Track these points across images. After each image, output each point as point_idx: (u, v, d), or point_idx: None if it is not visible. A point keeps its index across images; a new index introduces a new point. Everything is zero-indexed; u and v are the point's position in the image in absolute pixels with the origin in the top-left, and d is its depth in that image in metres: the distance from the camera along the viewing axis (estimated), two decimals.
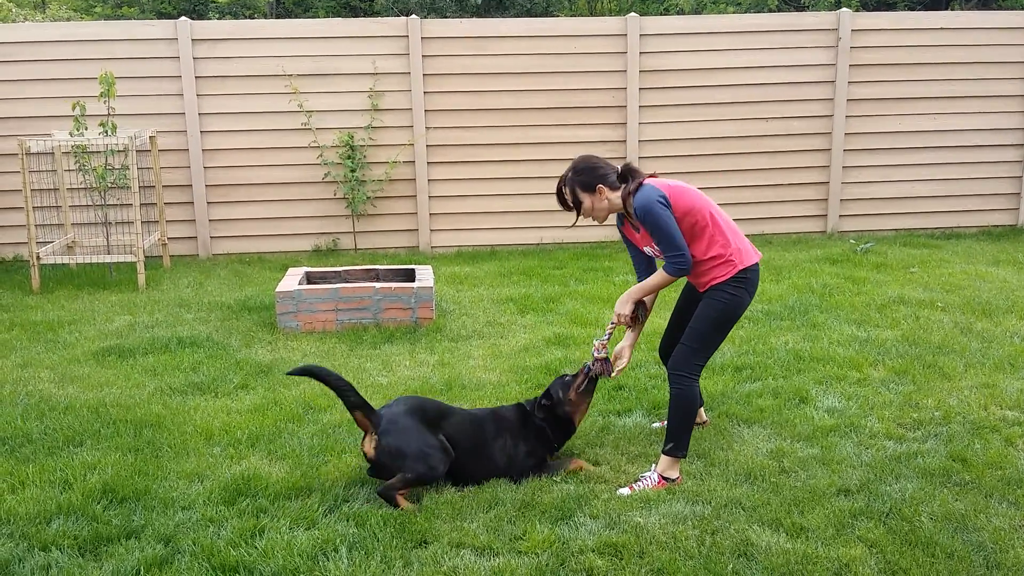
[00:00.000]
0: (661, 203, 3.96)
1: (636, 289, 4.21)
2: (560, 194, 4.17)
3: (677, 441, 4.07)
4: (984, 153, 10.19)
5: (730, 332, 4.24)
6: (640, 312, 4.30)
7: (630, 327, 4.33)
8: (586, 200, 4.13)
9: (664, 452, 4.10)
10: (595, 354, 4.29)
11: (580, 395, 4.30)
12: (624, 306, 4.20)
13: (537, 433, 4.23)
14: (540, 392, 4.61)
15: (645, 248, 4.20)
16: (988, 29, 9.94)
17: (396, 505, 3.82)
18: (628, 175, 4.13)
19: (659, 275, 4.13)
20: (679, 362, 4.12)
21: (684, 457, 4.11)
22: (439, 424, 4.06)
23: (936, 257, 8.81)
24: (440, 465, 3.92)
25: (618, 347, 4.39)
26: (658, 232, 3.98)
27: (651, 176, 4.17)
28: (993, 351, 5.82)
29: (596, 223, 4.30)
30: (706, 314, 4.08)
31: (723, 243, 4.05)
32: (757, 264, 4.15)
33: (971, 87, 10.01)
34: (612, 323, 4.28)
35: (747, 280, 4.07)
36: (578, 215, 4.22)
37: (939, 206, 10.28)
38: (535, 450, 4.20)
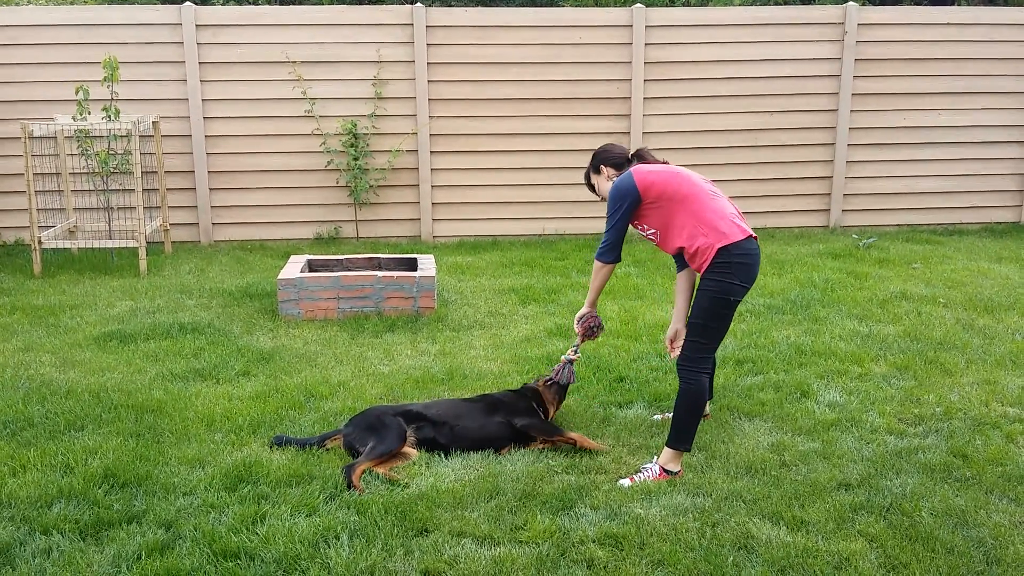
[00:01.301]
0: (627, 199, 4.17)
1: (587, 300, 4.57)
2: (586, 178, 4.63)
3: (682, 434, 4.07)
4: (988, 150, 10.17)
5: (731, 318, 4.19)
6: (593, 325, 4.58)
7: (586, 338, 4.64)
8: (596, 182, 4.55)
9: (668, 444, 4.10)
10: (564, 357, 4.67)
11: (550, 392, 4.66)
12: (575, 323, 4.63)
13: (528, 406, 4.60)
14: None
15: (649, 233, 4.27)
16: (994, 25, 9.91)
17: (351, 484, 3.90)
18: (636, 159, 4.41)
19: (594, 267, 4.44)
20: (685, 356, 4.15)
21: (688, 451, 4.10)
22: (405, 412, 4.39)
23: (938, 253, 8.80)
24: (392, 435, 4.19)
25: (671, 331, 4.60)
26: (608, 217, 4.27)
27: (661, 163, 4.35)
28: (995, 347, 5.82)
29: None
30: (700, 305, 4.11)
31: (692, 231, 4.06)
32: (742, 242, 4.03)
33: (976, 83, 9.99)
34: (577, 344, 4.67)
35: (730, 264, 4.00)
36: (594, 193, 4.62)
37: (942, 202, 10.27)
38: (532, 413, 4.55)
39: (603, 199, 4.50)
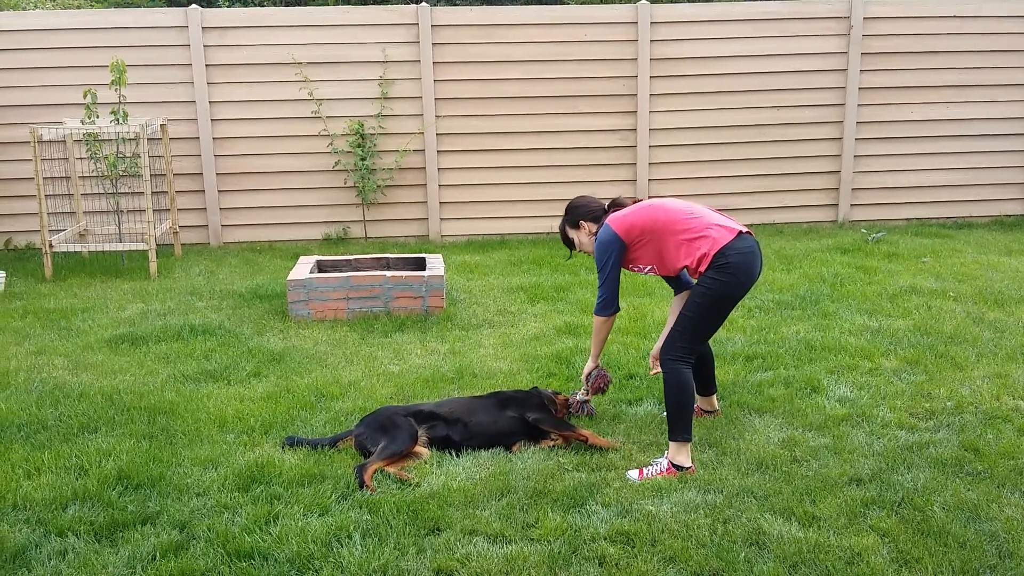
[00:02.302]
0: (611, 248, 4.21)
1: (592, 355, 4.55)
2: (561, 234, 4.57)
3: (676, 424, 4.10)
4: (996, 142, 10.12)
5: (723, 318, 4.26)
6: (602, 385, 4.63)
7: (597, 392, 4.68)
8: (574, 236, 4.52)
9: (669, 438, 4.13)
10: (579, 396, 4.68)
11: (563, 408, 4.72)
12: (584, 379, 4.62)
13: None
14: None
15: (647, 270, 4.33)
16: (1001, 18, 9.86)
17: (363, 484, 3.91)
18: (614, 208, 4.40)
19: (594, 322, 4.44)
20: (665, 346, 4.22)
21: (689, 441, 4.11)
22: (417, 412, 4.42)
23: (948, 247, 8.77)
24: (404, 434, 4.21)
25: (656, 349, 4.57)
26: (599, 272, 4.29)
27: (634, 201, 4.38)
28: (1005, 341, 5.80)
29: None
30: (692, 300, 4.17)
31: (687, 249, 4.12)
32: (735, 241, 4.10)
33: (983, 76, 9.94)
34: (586, 390, 4.67)
35: (729, 265, 4.06)
36: (571, 251, 4.64)
37: (951, 195, 10.23)
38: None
39: (584, 252, 4.54)
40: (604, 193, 4.62)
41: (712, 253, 4.07)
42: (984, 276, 7.52)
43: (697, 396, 4.65)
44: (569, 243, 4.56)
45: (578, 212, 4.47)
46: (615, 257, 4.22)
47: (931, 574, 3.27)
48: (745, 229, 4.20)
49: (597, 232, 4.34)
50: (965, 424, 4.54)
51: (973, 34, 9.85)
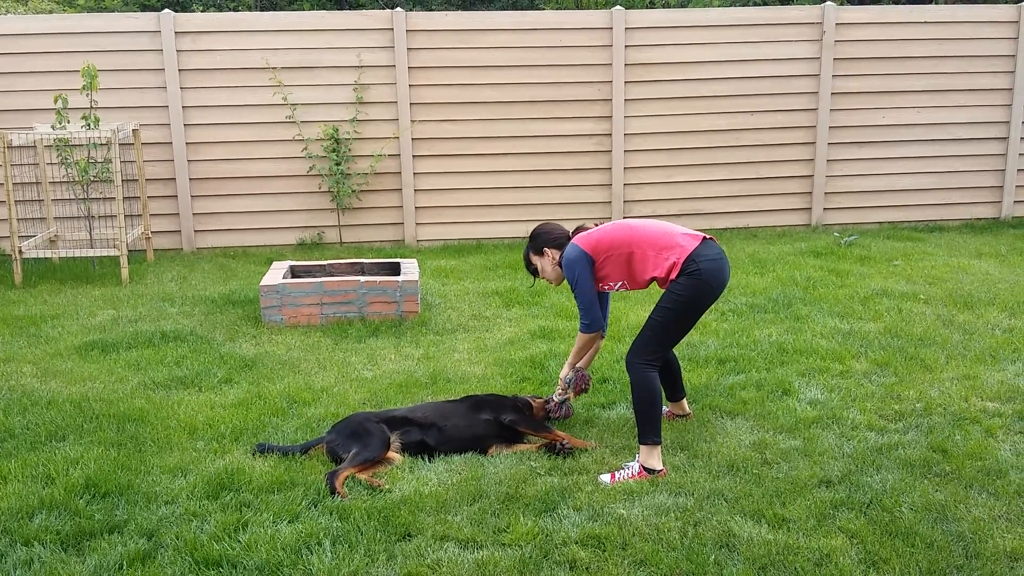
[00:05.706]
0: (579, 264, 4.25)
1: (568, 362, 4.56)
2: (525, 260, 4.61)
3: (645, 427, 4.12)
4: (967, 146, 10.24)
5: (692, 325, 4.30)
6: (584, 388, 4.63)
7: (579, 392, 4.67)
8: (538, 263, 4.55)
9: (639, 441, 4.15)
10: (555, 397, 4.64)
11: (540, 411, 4.69)
12: (564, 370, 4.59)
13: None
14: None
15: (618, 286, 4.37)
16: (971, 23, 9.99)
17: (334, 490, 3.88)
18: (575, 234, 4.44)
19: (578, 338, 4.44)
20: (631, 350, 4.25)
21: (658, 443, 4.12)
22: (390, 418, 4.38)
23: (919, 250, 8.86)
24: (376, 441, 4.17)
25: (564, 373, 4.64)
26: (573, 291, 4.32)
27: (596, 225, 4.44)
28: (975, 343, 5.87)
29: (555, 284, 4.64)
30: (662, 305, 4.20)
31: (654, 260, 4.18)
32: (701, 248, 4.16)
33: (954, 80, 10.06)
34: (561, 389, 4.63)
35: (699, 271, 4.11)
36: (535, 278, 4.66)
37: (923, 199, 10.34)
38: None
39: (546, 280, 4.56)
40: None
41: (681, 261, 4.12)
42: (954, 279, 7.60)
43: (667, 402, 4.68)
44: (532, 270, 4.60)
45: (542, 239, 4.51)
46: (585, 272, 4.25)
47: (898, 575, 3.29)
48: (708, 236, 4.25)
49: (560, 258, 4.37)
50: (934, 426, 4.58)
51: (945, 40, 9.96)
